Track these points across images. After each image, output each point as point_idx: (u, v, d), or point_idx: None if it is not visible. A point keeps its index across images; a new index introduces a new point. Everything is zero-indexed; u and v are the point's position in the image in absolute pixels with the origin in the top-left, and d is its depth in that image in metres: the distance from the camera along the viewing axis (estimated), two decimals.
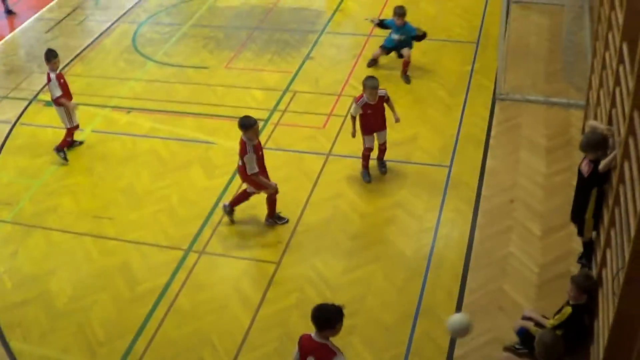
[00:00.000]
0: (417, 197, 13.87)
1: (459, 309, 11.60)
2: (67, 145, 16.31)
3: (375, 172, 14.65)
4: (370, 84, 13.94)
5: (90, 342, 11.87)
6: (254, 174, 13.02)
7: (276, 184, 13.37)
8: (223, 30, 20.79)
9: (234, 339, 11.61)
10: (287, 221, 13.66)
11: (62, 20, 22.62)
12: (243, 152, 13.01)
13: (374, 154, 14.70)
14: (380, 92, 14.13)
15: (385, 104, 14.33)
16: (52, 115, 17.45)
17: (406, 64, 17.39)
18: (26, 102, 18.47)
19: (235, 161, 15.10)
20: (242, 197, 13.70)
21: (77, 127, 16.35)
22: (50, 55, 15.83)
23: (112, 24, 21.95)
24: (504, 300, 11.64)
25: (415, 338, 11.28)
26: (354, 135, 14.38)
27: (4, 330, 12.30)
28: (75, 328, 12.14)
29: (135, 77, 18.96)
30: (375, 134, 14.52)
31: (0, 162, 16.36)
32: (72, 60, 20.08)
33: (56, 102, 15.90)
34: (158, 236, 13.73)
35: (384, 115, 14.40)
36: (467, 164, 14.59)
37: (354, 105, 14.30)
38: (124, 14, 22.56)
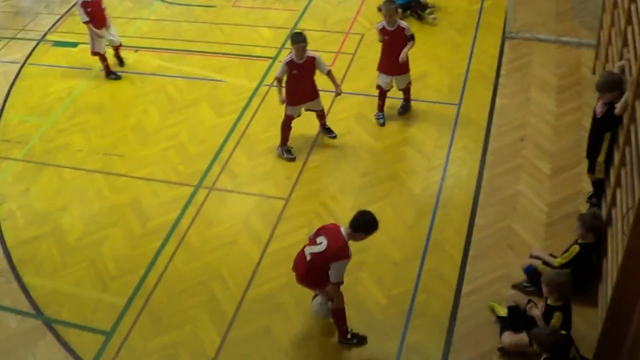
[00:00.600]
0: (426, 135, 13.86)
1: (467, 246, 11.64)
2: (108, 70, 16.65)
3: (387, 110, 14.61)
4: (385, 6, 13.63)
5: (102, 276, 12.00)
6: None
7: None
8: None
9: (244, 273, 11.71)
10: (295, 159, 13.67)
11: None
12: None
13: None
14: (402, 23, 13.73)
15: (405, 41, 13.68)
16: (60, 55, 17.55)
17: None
18: (34, 43, 18.45)
19: (243, 98, 15.20)
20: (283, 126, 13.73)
21: (99, 54, 16.46)
22: None
23: None
24: (513, 239, 11.65)
25: (424, 274, 11.33)
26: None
27: (17, 266, 12.44)
28: (87, 263, 12.27)
29: (142, 16, 18.92)
30: (393, 79, 14.15)
31: (10, 102, 16.41)
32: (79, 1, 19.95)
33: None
34: (168, 173, 13.78)
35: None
36: (476, 102, 14.52)
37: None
38: None
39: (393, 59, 13.75)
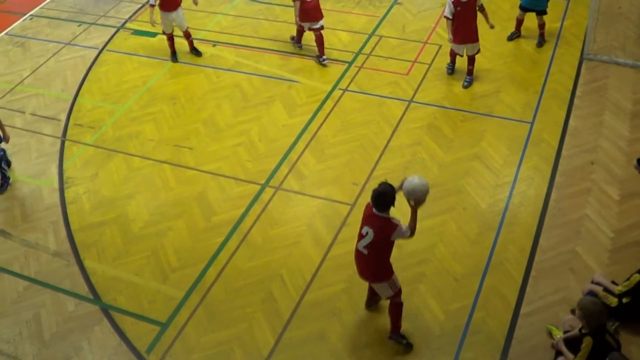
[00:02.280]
0: (496, 151, 13.75)
1: (529, 266, 11.52)
2: (172, 50, 17.25)
3: (453, 122, 14.52)
4: None
5: (163, 267, 12.13)
6: None
7: None
8: None
9: (303, 275, 11.73)
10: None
11: None
12: None
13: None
14: None
15: (478, 12, 14.90)
16: (138, 44, 17.77)
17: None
18: (114, 30, 18.68)
19: (317, 100, 15.22)
20: None
21: (166, 34, 16.98)
22: None
23: None
24: (576, 263, 11.51)
25: (483, 291, 11.23)
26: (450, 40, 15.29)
27: (79, 249, 12.63)
28: (149, 252, 12.41)
29: (223, 12, 19.04)
30: (465, 47, 15.23)
31: (85, 87, 16.64)
32: None
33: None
34: (236, 169, 13.86)
35: (475, 24, 14.98)
36: (549, 121, 14.37)
37: (446, 5, 14.88)
38: None
39: (465, 29, 14.92)
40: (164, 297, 11.62)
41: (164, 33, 17.06)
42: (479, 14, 14.95)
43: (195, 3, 16.79)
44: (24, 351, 11.10)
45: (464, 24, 14.89)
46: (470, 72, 15.55)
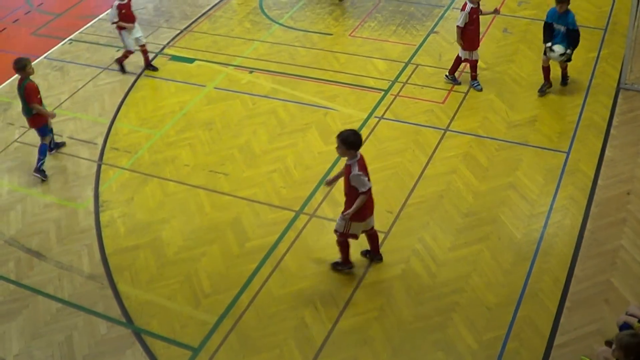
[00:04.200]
0: (532, 181, 13.69)
1: (564, 296, 11.42)
2: (121, 61, 18.26)
3: (489, 151, 14.49)
4: None
5: (196, 292, 12.14)
6: None
7: None
8: None
9: (336, 303, 11.69)
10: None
11: None
12: None
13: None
14: None
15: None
16: (176, 70, 17.96)
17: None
18: (152, 55, 18.81)
19: (352, 128, 15.19)
20: None
21: (129, 51, 18.13)
22: None
23: None
24: (611, 294, 11.41)
25: (517, 322, 11.14)
26: (461, 46, 16.05)
27: (113, 273, 12.69)
28: (182, 277, 12.44)
29: (259, 39, 19.15)
30: (474, 52, 16.13)
31: (123, 112, 16.78)
32: (199, 18, 20.43)
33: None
34: (271, 195, 13.89)
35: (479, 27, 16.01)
36: (585, 151, 14.30)
37: (460, 15, 15.73)
38: None
39: (477, 34, 16.02)
40: (196, 322, 11.63)
41: (126, 52, 17.96)
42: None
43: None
44: None
45: (476, 30, 15.95)
46: (476, 77, 16.52)
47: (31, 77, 14.68)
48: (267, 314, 11.64)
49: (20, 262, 13.12)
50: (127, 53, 18.16)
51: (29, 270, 12.92)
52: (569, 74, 16.16)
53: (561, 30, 15.18)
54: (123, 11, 17.58)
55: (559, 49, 15.13)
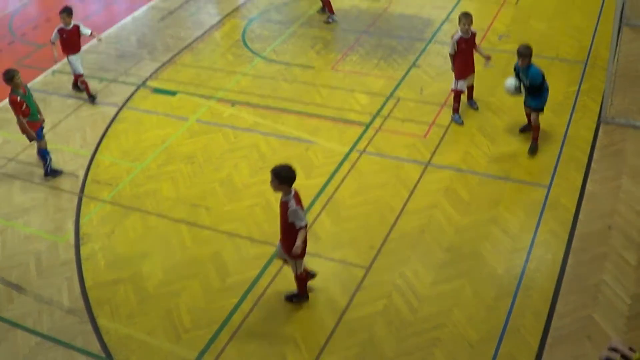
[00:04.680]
0: (513, 215, 13.72)
1: (546, 333, 11.40)
2: (88, 93, 18.66)
3: (471, 186, 14.53)
4: (463, 16, 15.75)
5: (176, 327, 12.06)
6: None
7: None
8: (331, 32, 20.91)
9: (317, 339, 11.64)
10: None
11: (175, 10, 23.08)
12: None
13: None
14: (472, 29, 15.99)
15: (474, 48, 16.23)
16: (158, 102, 17.91)
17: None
18: (134, 87, 18.84)
19: (334, 162, 15.24)
20: None
21: (80, 75, 18.54)
22: (64, 11, 18.09)
23: (223, 18, 22.32)
24: (593, 329, 11.38)
25: (499, 358, 11.09)
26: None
27: (93, 306, 12.61)
28: (162, 312, 12.36)
29: (242, 71, 19.18)
30: (467, 80, 16.36)
31: (104, 144, 16.74)
32: (182, 50, 20.48)
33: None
34: (252, 230, 13.86)
35: (472, 57, 16.27)
36: (566, 186, 14.35)
37: (450, 43, 16.12)
38: (236, 9, 22.93)
39: (468, 62, 16.26)
40: (176, 358, 11.54)
41: (76, 76, 18.62)
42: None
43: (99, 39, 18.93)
44: None
45: (466, 58, 16.19)
46: (471, 97, 16.99)
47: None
48: (247, 350, 11.56)
49: (0, 295, 13.03)
50: (76, 77, 18.61)
51: (9, 304, 12.83)
52: (538, 143, 15.52)
53: (526, 84, 15.00)
54: (64, 36, 18.03)
55: (510, 82, 15.04)
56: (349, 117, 16.80)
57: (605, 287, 12.07)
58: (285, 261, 12.12)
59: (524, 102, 15.43)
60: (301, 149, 15.94)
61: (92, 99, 18.50)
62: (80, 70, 18.39)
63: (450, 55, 16.15)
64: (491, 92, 17.11)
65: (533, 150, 15.33)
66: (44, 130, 15.78)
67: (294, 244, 11.17)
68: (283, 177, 11.12)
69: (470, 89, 16.78)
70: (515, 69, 15.14)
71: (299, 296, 12.30)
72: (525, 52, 14.65)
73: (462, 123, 16.33)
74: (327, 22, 21.31)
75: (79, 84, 18.60)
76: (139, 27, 22.27)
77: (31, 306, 12.73)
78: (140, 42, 21.26)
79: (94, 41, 20.23)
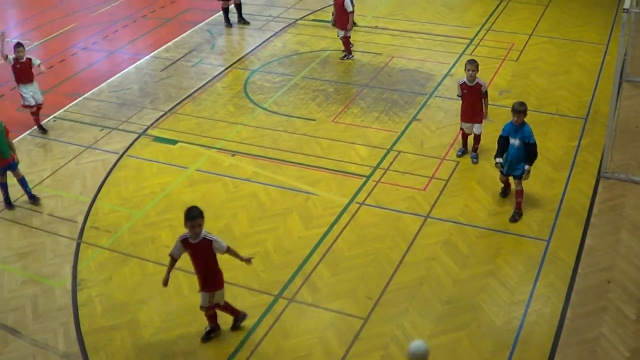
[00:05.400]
0: (512, 268, 13.69)
1: None
2: (37, 122, 19.65)
3: (469, 239, 14.51)
4: (468, 62, 16.27)
5: None
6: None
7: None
8: (333, 84, 21.01)
9: None
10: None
11: (177, 60, 23.21)
12: None
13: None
14: (480, 80, 16.40)
15: (482, 99, 16.52)
16: (159, 150, 17.94)
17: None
18: (135, 136, 18.90)
19: (333, 214, 15.25)
20: None
21: (28, 107, 19.28)
22: (19, 45, 18.83)
23: (226, 69, 22.44)
24: None
25: None
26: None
27: (88, 352, 12.52)
28: (158, 359, 12.29)
29: (243, 122, 19.25)
30: (471, 125, 16.84)
31: (104, 191, 16.74)
32: (183, 100, 20.55)
33: None
34: (250, 279, 13.80)
35: (480, 107, 16.60)
36: (565, 239, 14.34)
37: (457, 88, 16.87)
38: (238, 60, 23.05)
39: (471, 110, 16.67)
40: None
41: (23, 107, 19.31)
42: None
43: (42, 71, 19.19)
44: None
45: (470, 105, 16.64)
46: (475, 150, 17.13)
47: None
48: None
49: None
50: (25, 107, 19.33)
51: (4, 347, 12.73)
52: (522, 209, 15.25)
53: (516, 144, 14.76)
54: (18, 66, 18.79)
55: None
56: (349, 169, 16.83)
57: (604, 341, 11.99)
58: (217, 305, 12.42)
59: (506, 173, 15.20)
60: (301, 199, 15.95)
61: (42, 130, 19.46)
62: (31, 102, 19.07)
63: (457, 95, 16.93)
64: (491, 147, 17.09)
65: (515, 219, 15.09)
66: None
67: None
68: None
69: (475, 140, 17.04)
70: (502, 135, 15.00)
71: (237, 319, 12.75)
72: (520, 109, 14.58)
73: (461, 155, 17.12)
74: (342, 59, 22.48)
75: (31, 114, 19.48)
76: (142, 76, 22.38)
77: (26, 350, 12.63)
78: (143, 91, 21.35)
79: (96, 89, 20.42)
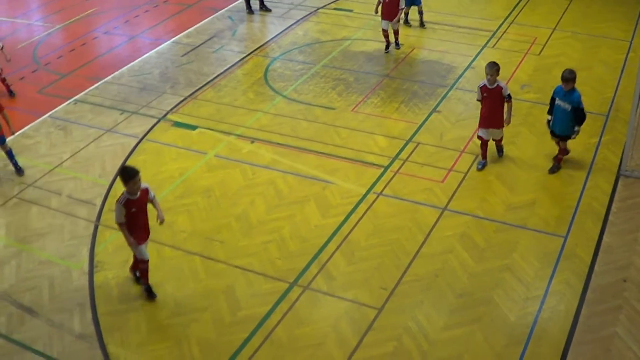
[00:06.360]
0: (528, 264, 13.65)
1: None
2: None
3: (486, 232, 14.48)
4: (487, 66, 15.83)
5: (185, 357, 12.02)
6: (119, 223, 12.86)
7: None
8: (354, 74, 20.98)
9: None
10: (154, 297, 13.38)
11: (198, 46, 23.23)
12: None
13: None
14: (501, 83, 15.95)
15: (505, 102, 16.04)
16: (178, 135, 17.97)
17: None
18: (155, 120, 18.95)
19: (350, 203, 15.24)
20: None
21: None
22: None
23: (246, 56, 22.44)
24: None
25: None
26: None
27: (103, 333, 12.60)
28: (172, 342, 12.33)
29: (262, 109, 19.26)
30: (489, 132, 16.27)
31: None
32: (204, 86, 20.57)
33: None
34: (266, 266, 13.84)
35: (500, 112, 16.10)
36: (583, 237, 14.29)
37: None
38: (259, 47, 23.05)
39: (490, 114, 16.13)
40: None
41: None
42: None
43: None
44: None
45: (489, 109, 16.09)
46: (500, 149, 16.85)
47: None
48: None
49: (12, 317, 13.05)
50: None
51: (20, 326, 12.84)
52: (564, 160, 16.37)
53: (566, 108, 15.55)
54: None
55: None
56: (368, 159, 16.83)
57: (617, 340, 11.97)
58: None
59: (557, 133, 16.03)
60: (318, 188, 15.96)
61: (11, 93, 20.54)
62: None
63: (478, 100, 16.32)
64: (511, 141, 17.09)
65: (554, 171, 16.22)
66: None
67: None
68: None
69: (497, 141, 16.65)
70: (553, 96, 15.85)
71: (145, 284, 13.41)
72: (569, 77, 15.45)
73: (481, 169, 16.38)
74: (396, 47, 22.59)
75: None
76: (162, 61, 22.43)
77: (42, 330, 12.73)
78: (163, 76, 21.39)
79: (117, 73, 20.56)
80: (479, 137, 16.39)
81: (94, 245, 14.64)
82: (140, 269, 13.31)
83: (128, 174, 12.47)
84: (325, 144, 17.55)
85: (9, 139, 17.08)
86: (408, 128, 18.11)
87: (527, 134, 17.58)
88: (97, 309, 13.12)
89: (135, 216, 12.66)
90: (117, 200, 12.51)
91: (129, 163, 17.06)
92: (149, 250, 13.22)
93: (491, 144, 16.55)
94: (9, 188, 16.50)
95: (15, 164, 16.87)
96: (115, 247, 14.49)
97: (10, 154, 16.78)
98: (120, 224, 12.63)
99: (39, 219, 15.44)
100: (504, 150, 16.79)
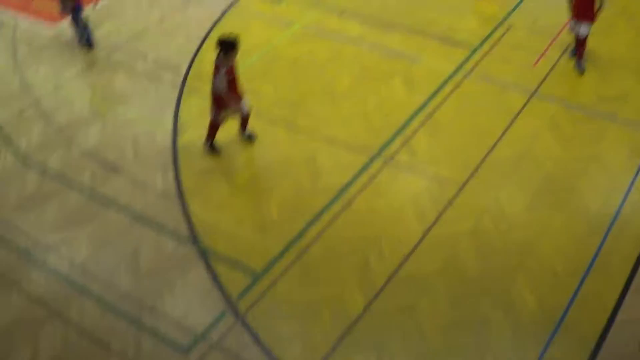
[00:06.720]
0: (616, 155, 13.34)
1: (632, 276, 11.13)
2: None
3: (575, 120, 14.15)
4: None
5: (265, 219, 12.19)
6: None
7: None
8: None
9: (402, 249, 11.61)
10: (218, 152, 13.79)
11: None
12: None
13: None
14: None
15: None
16: (266, 7, 17.94)
17: None
18: None
19: (437, 82, 15.05)
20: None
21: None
22: None
23: None
24: None
25: (582, 292, 10.92)
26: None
27: (185, 193, 12.84)
28: (252, 204, 12.53)
29: None
30: (579, 25, 15.12)
31: (209, 43, 16.86)
32: None
33: None
34: (349, 137, 13.81)
35: (592, 4, 14.92)
36: None
37: None
38: None
39: (581, 5, 14.90)
40: (262, 248, 11.68)
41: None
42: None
43: None
44: (119, 280, 11.30)
45: (582, 2, 14.97)
46: (580, 55, 15.52)
47: None
48: (332, 250, 11.63)
49: (96, 174, 13.31)
50: None
51: (105, 181, 13.11)
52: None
53: None
54: None
55: None
56: (457, 38, 16.52)
57: None
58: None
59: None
60: (405, 64, 15.75)
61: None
62: None
63: None
64: (606, 33, 16.56)
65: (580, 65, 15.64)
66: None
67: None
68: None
69: (579, 44, 15.43)
70: None
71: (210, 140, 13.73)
72: None
73: (582, 71, 15.49)
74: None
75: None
76: None
77: (125, 187, 12.99)
78: None
79: None
80: (576, 34, 15.39)
81: (178, 109, 14.77)
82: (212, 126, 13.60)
83: (233, 45, 12.80)
84: (414, 21, 17.27)
85: (100, 4, 17.19)
86: (501, 10, 17.71)
87: (623, 26, 17.06)
88: (179, 170, 13.29)
89: (232, 83, 12.89)
90: (216, 70, 12.85)
91: (215, 31, 17.03)
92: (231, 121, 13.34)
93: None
94: (95, 53, 16.65)
95: (88, 37, 16.86)
96: (199, 111, 14.53)
97: (84, 27, 16.76)
98: (219, 95, 12.92)
99: (124, 82, 15.61)
100: (585, 65, 15.68)
